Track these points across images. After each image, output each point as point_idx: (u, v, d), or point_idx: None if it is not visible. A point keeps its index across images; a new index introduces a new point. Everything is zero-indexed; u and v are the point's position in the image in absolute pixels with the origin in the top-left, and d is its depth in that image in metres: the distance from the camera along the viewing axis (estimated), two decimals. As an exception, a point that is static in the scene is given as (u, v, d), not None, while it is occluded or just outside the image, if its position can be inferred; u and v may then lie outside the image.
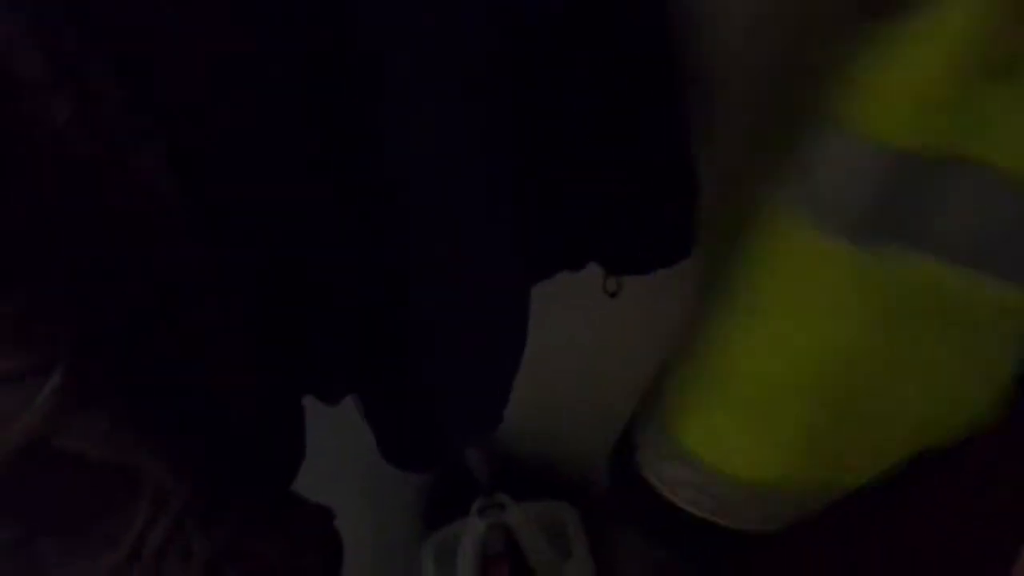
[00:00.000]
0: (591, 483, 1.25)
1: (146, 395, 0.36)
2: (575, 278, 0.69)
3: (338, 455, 0.87)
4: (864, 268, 0.42)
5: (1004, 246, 0.41)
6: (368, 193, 0.48)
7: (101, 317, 0.35)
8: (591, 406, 1.14)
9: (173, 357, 0.40)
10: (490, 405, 0.64)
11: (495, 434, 1.17)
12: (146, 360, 0.37)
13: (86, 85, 0.37)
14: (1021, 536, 0.54)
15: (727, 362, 0.50)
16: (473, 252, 0.54)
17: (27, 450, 0.33)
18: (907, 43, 0.40)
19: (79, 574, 0.36)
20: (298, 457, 0.58)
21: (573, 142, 0.54)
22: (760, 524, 0.53)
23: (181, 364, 0.40)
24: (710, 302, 0.53)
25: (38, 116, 0.35)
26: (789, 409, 0.48)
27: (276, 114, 0.46)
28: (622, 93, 0.54)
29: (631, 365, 0.77)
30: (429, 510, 1.21)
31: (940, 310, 0.43)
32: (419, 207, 0.51)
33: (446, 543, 1.14)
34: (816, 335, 0.46)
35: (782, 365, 0.47)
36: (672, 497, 0.51)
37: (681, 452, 0.51)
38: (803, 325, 0.46)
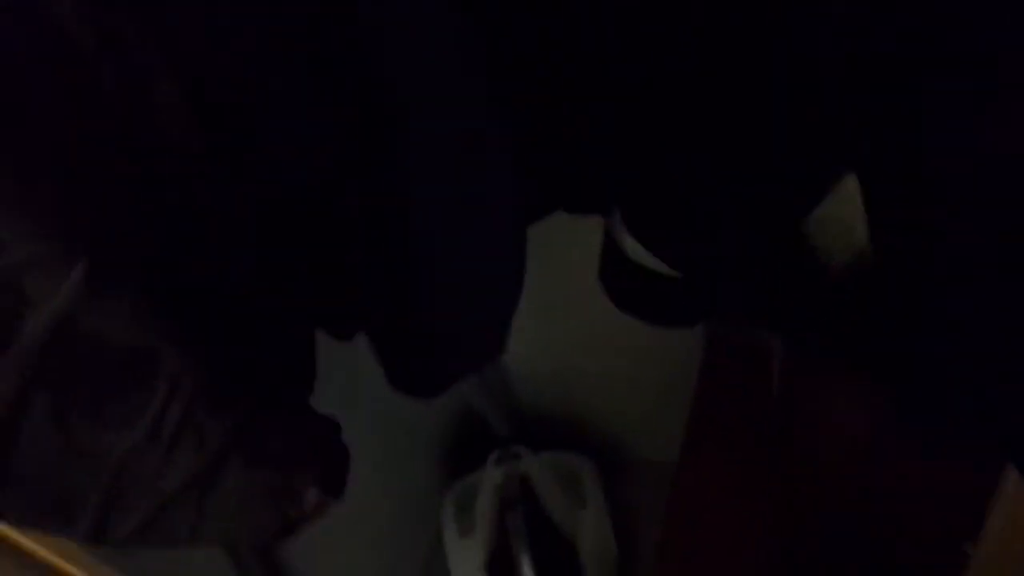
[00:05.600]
0: (608, 437, 1.29)
1: (167, 286, 0.41)
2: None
3: (360, 406, 0.92)
4: None
5: None
6: (368, 125, 0.52)
7: (126, 218, 0.40)
8: (608, 363, 1.18)
9: (192, 263, 0.45)
10: (490, 336, 0.68)
11: (514, 389, 1.22)
12: (167, 257, 0.42)
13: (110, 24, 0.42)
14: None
15: None
16: (471, 182, 0.58)
17: (56, 330, 0.38)
18: None
19: (105, 446, 0.41)
20: (310, 383, 0.62)
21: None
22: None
23: (199, 270, 0.45)
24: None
25: (70, 50, 0.40)
26: None
27: (282, 53, 0.50)
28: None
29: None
30: (449, 461, 1.26)
31: None
32: (418, 137, 0.54)
33: (466, 492, 1.19)
34: None
35: None
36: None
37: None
38: None
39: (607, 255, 0.63)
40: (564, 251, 0.85)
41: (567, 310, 1.08)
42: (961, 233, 0.39)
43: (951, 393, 0.46)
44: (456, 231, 0.61)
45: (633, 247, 0.59)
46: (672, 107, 0.47)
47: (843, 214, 0.43)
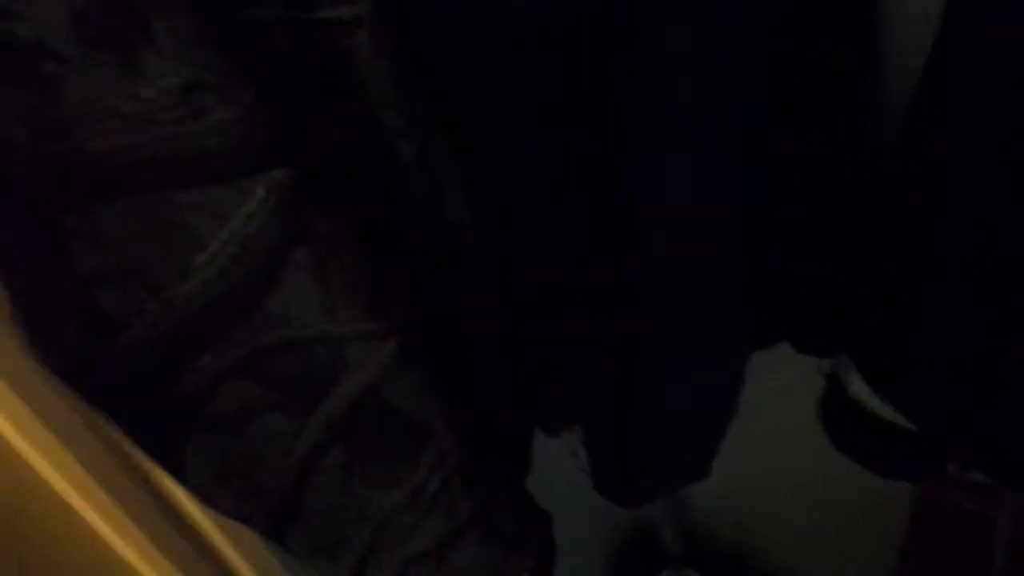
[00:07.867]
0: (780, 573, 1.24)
1: (450, 370, 0.47)
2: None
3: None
4: None
5: None
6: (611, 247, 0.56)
7: (428, 307, 0.47)
8: (793, 500, 1.15)
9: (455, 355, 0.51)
10: (698, 457, 0.69)
11: (691, 508, 1.20)
12: (453, 343, 0.48)
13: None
14: None
15: None
16: (701, 312, 0.61)
17: (362, 394, 0.44)
18: None
19: (375, 502, 0.47)
20: (526, 475, 0.67)
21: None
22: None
23: (462, 361, 0.51)
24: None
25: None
26: None
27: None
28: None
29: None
30: (618, 574, 1.25)
31: None
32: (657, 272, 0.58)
33: (631, 608, 1.17)
34: None
35: None
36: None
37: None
38: None
39: (829, 393, 0.64)
40: (769, 381, 0.85)
41: (759, 439, 1.07)
42: None
43: None
44: (687, 359, 0.64)
45: (858, 388, 0.60)
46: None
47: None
